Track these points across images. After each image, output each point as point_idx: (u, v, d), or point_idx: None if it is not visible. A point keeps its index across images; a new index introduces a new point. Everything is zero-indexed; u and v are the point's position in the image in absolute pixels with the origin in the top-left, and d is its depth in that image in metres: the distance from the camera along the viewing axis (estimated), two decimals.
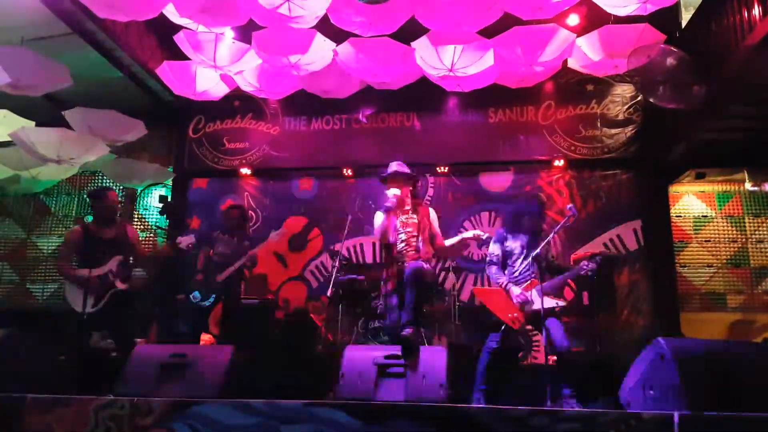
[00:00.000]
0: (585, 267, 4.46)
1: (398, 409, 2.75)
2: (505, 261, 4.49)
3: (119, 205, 4.97)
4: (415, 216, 4.37)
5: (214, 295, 5.62)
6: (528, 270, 4.36)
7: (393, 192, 4.33)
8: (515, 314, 4.22)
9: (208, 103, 7.28)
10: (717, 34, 5.70)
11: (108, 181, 8.74)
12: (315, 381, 4.69)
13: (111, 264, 4.68)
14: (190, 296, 5.61)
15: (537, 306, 4.17)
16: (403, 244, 4.30)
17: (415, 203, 4.49)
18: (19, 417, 2.84)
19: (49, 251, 8.69)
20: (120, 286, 4.66)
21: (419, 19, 5.70)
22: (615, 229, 7.42)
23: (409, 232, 4.32)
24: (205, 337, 6.38)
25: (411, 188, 4.52)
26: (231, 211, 6.05)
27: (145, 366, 3.50)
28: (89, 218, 5.29)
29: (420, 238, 4.29)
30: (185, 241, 5.22)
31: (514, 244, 4.46)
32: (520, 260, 4.41)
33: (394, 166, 4.54)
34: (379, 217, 4.34)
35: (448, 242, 4.59)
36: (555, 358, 4.28)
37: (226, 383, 3.36)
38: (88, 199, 6.20)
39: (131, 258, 4.84)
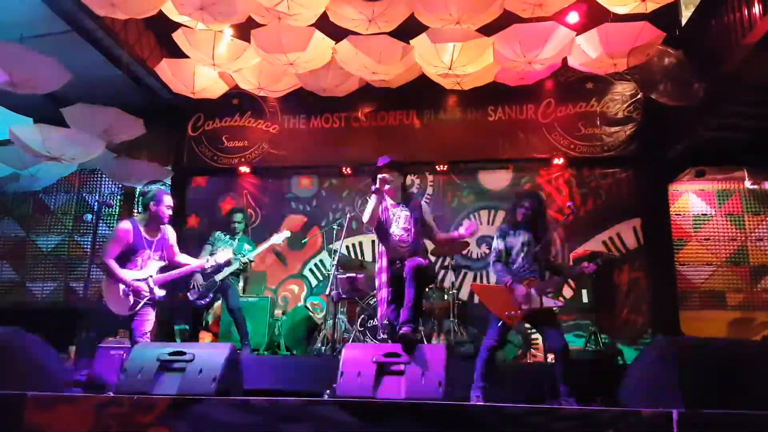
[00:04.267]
0: (585, 268, 4.47)
1: (398, 407, 2.75)
2: (506, 257, 4.48)
3: (172, 210, 4.65)
4: (406, 209, 4.36)
5: (211, 295, 5.63)
6: (526, 267, 4.35)
7: (381, 175, 4.31)
8: (513, 312, 4.22)
9: (206, 101, 7.28)
10: (717, 32, 5.70)
11: (108, 179, 8.75)
12: (314, 379, 4.69)
13: (151, 269, 4.50)
14: (188, 294, 5.63)
15: (535, 305, 4.17)
16: (395, 239, 4.28)
17: (405, 197, 4.47)
18: (19, 415, 2.84)
19: (49, 249, 8.69)
20: (158, 293, 4.47)
21: (418, 17, 5.70)
22: (614, 227, 7.43)
23: (400, 225, 4.30)
24: (205, 335, 6.40)
25: (402, 179, 4.48)
26: (233, 214, 6.08)
27: (144, 363, 3.50)
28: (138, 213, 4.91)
29: (412, 232, 4.28)
30: (193, 296, 5.45)
31: (515, 240, 4.45)
32: (520, 257, 4.40)
33: (381, 161, 4.53)
34: (368, 204, 4.30)
35: (443, 236, 4.58)
36: (552, 356, 4.30)
37: (226, 381, 3.36)
38: (141, 198, 5.95)
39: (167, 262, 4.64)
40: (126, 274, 4.37)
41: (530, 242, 4.39)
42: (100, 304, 4.59)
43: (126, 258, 4.42)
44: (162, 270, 4.57)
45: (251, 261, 5.87)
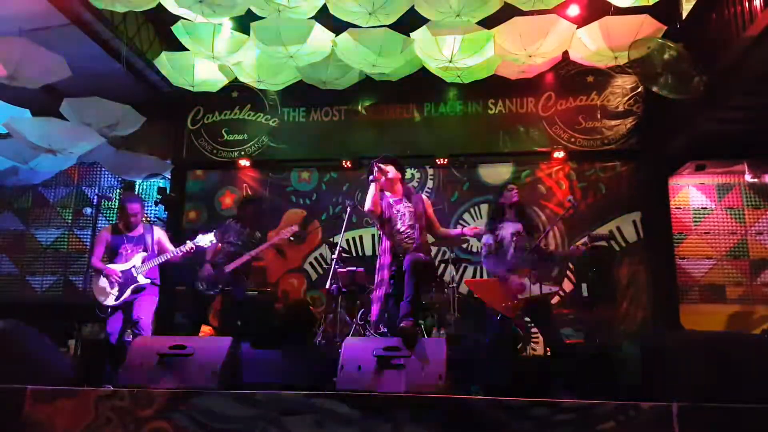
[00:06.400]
0: (575, 250, 4.53)
1: (398, 400, 2.75)
2: (497, 249, 4.51)
3: (141, 212, 5.29)
4: (410, 203, 4.36)
5: (220, 286, 5.63)
6: (518, 257, 4.36)
7: (378, 165, 4.31)
8: (509, 303, 4.23)
9: (206, 95, 7.25)
10: (718, 24, 5.67)
11: (107, 173, 8.72)
12: (315, 373, 4.69)
13: (135, 260, 4.98)
14: (197, 283, 5.63)
15: (531, 293, 4.19)
16: (400, 235, 4.29)
17: (407, 190, 4.47)
18: (19, 408, 2.85)
19: (48, 243, 8.68)
20: (142, 281, 4.94)
21: (419, 9, 5.67)
22: (615, 221, 7.43)
23: (405, 221, 4.31)
24: (205, 329, 6.39)
25: (400, 174, 4.49)
26: (244, 205, 6.07)
27: (144, 358, 3.50)
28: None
29: (417, 227, 4.28)
30: (202, 286, 5.66)
31: (504, 232, 4.48)
32: (511, 247, 4.42)
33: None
34: (368, 193, 4.30)
35: (444, 231, 4.60)
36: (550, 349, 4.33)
37: (226, 374, 3.36)
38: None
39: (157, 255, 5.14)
40: (111, 266, 4.95)
41: (519, 232, 4.42)
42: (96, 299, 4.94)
43: (112, 255, 5.05)
44: (147, 260, 5.07)
45: (258, 257, 5.85)
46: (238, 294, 5.76)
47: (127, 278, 4.92)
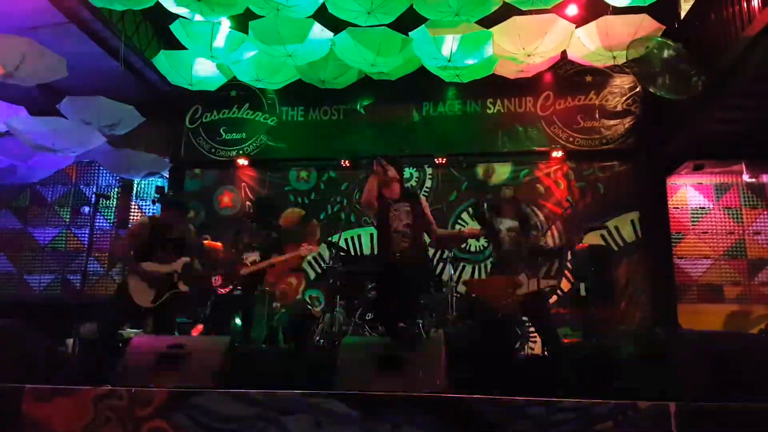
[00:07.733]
0: (572, 243, 4.55)
1: (396, 399, 2.75)
2: (495, 247, 4.53)
3: (183, 219, 4.93)
4: (407, 204, 4.36)
5: (230, 286, 5.61)
6: (514, 253, 4.36)
7: (377, 158, 4.32)
8: (507, 302, 4.24)
9: (204, 93, 7.25)
10: (716, 24, 5.68)
11: (105, 171, 8.72)
12: (313, 372, 4.69)
13: (176, 265, 4.65)
14: (212, 280, 5.60)
15: (528, 288, 4.21)
16: (397, 234, 4.29)
17: (404, 190, 4.48)
18: (18, 407, 2.84)
19: (46, 242, 8.67)
20: (182, 288, 4.64)
21: (417, 9, 5.67)
22: (613, 220, 7.43)
23: (402, 221, 4.31)
24: (198, 327, 6.37)
25: (399, 175, 4.50)
26: (258, 206, 6.01)
27: (143, 357, 3.49)
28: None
29: (414, 227, 4.28)
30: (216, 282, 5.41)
31: (503, 229, 4.51)
32: (507, 244, 4.44)
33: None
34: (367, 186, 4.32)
35: (444, 232, 4.61)
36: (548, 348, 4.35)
37: (224, 374, 3.36)
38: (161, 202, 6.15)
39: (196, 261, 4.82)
40: (148, 266, 4.54)
41: (514, 228, 4.45)
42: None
43: (148, 251, 4.59)
44: (187, 267, 4.70)
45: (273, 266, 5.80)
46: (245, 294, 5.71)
47: (167, 282, 4.59)
